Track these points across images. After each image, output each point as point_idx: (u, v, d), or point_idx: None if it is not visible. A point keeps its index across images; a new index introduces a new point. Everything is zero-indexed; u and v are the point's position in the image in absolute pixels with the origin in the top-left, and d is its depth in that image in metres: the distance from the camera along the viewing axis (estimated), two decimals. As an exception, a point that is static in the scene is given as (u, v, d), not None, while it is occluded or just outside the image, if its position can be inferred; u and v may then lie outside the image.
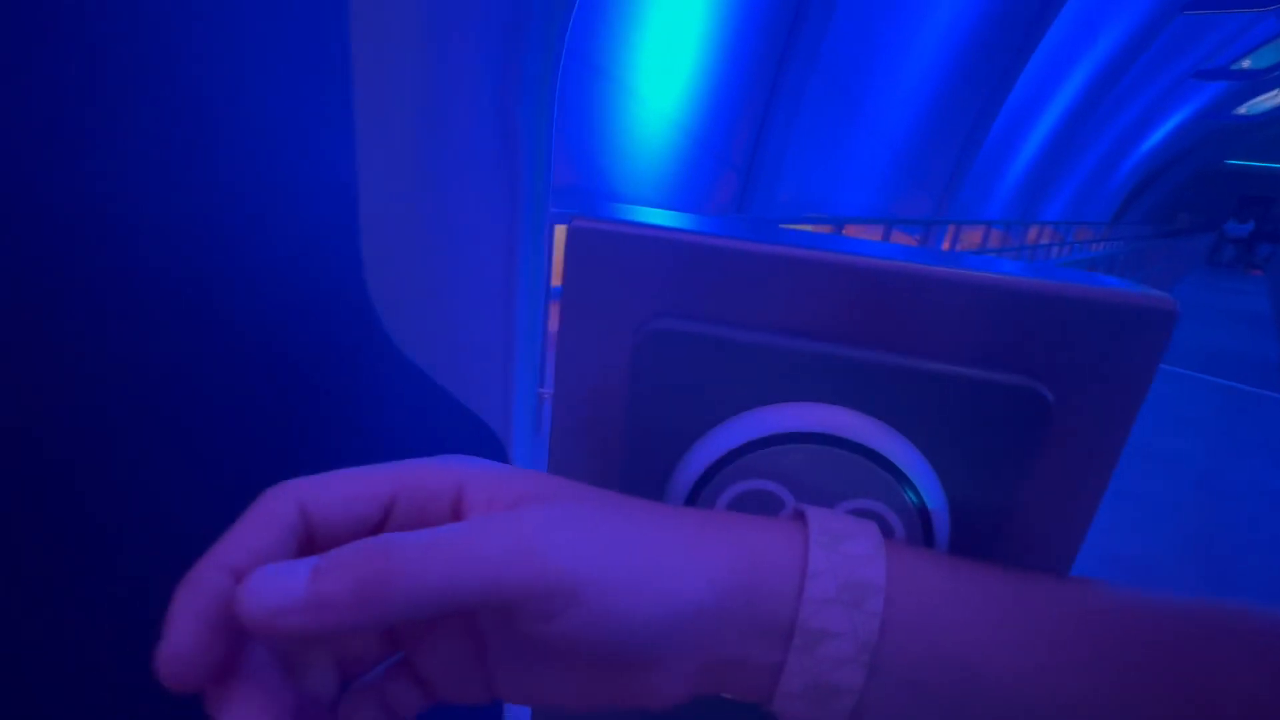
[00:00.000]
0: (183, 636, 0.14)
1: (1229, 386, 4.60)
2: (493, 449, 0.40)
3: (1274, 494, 2.69)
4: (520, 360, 0.41)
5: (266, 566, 0.14)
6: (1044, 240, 7.37)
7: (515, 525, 0.16)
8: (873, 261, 0.21)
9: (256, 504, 0.16)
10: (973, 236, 6.36)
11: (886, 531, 0.22)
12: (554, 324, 0.26)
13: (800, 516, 0.20)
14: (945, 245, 4.94)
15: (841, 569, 0.17)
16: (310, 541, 0.16)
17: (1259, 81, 10.59)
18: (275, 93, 0.23)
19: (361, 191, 0.28)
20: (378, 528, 0.17)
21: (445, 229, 0.33)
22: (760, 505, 0.23)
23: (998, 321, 0.21)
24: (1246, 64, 9.36)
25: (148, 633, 0.15)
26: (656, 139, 3.91)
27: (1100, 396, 0.21)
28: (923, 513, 0.22)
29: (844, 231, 3.99)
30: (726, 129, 4.15)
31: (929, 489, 0.22)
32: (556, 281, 0.25)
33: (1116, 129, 10.73)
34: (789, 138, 4.33)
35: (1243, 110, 13.03)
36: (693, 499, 0.23)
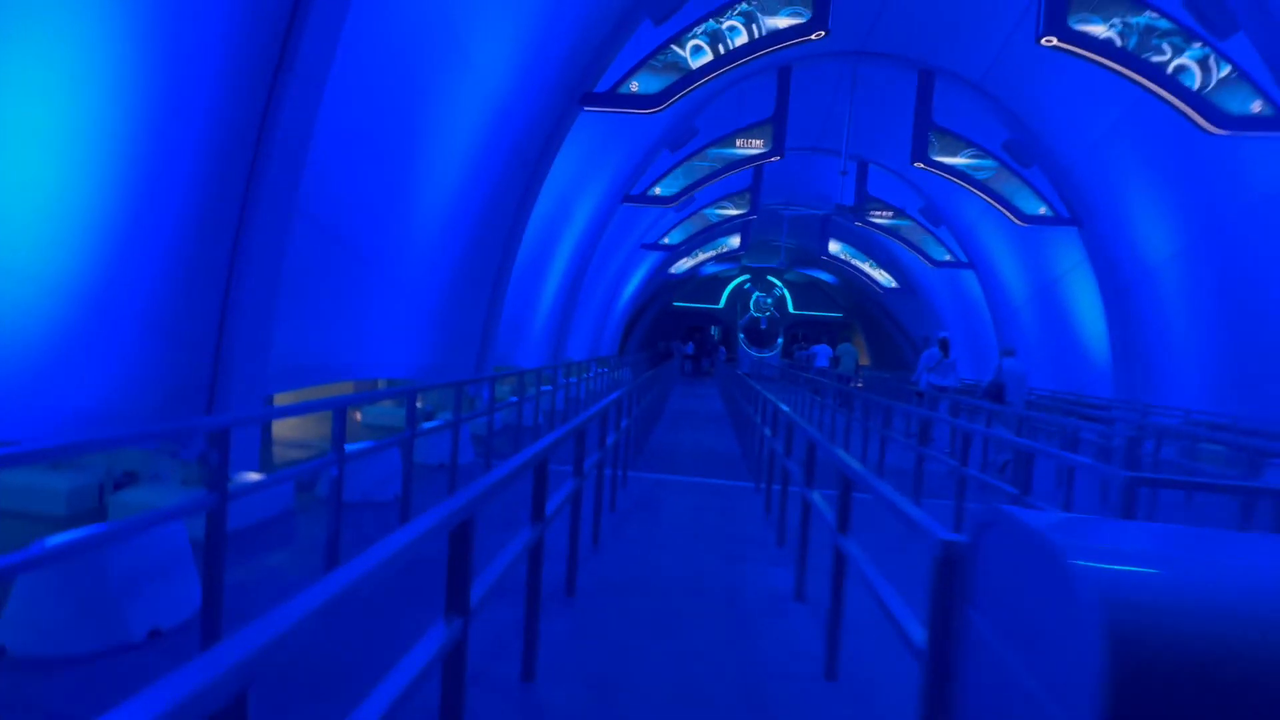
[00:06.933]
0: None
1: (713, 485, 5.77)
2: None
3: (775, 594, 3.08)
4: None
5: None
6: (573, 377, 8.42)
7: None
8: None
9: None
10: (510, 382, 6.70)
11: None
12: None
13: None
14: (488, 397, 4.92)
15: None
16: None
17: (677, 251, 15.62)
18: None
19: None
20: None
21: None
22: None
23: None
24: (667, 240, 13.75)
25: None
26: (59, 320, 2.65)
27: None
28: None
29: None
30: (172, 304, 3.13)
31: None
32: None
33: (604, 288, 13.79)
34: (273, 303, 3.60)
35: (673, 270, 18.98)
36: None
